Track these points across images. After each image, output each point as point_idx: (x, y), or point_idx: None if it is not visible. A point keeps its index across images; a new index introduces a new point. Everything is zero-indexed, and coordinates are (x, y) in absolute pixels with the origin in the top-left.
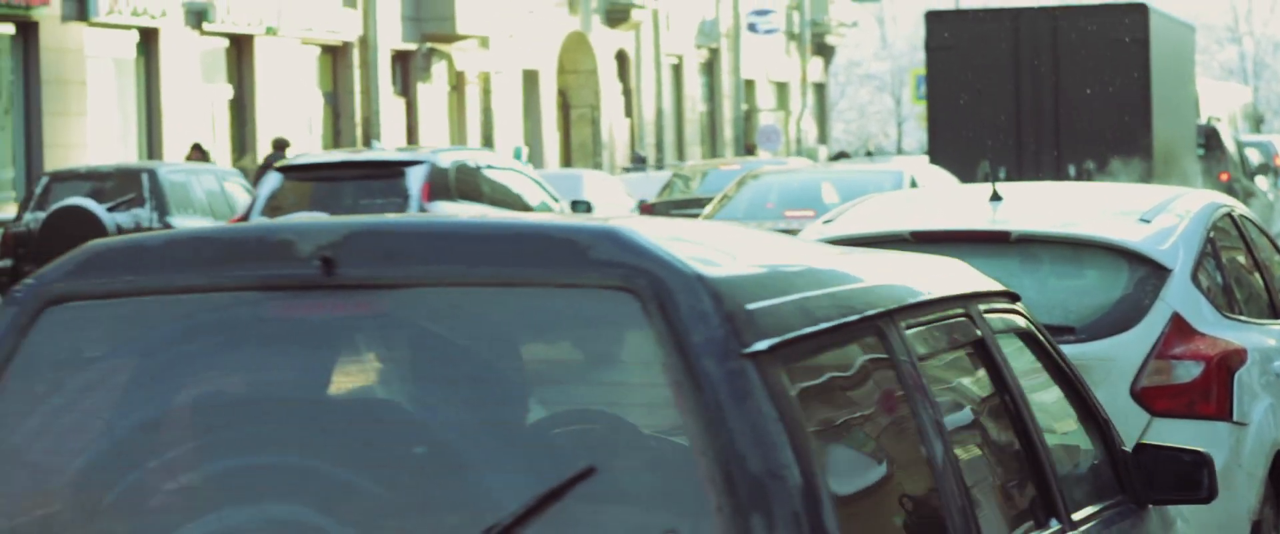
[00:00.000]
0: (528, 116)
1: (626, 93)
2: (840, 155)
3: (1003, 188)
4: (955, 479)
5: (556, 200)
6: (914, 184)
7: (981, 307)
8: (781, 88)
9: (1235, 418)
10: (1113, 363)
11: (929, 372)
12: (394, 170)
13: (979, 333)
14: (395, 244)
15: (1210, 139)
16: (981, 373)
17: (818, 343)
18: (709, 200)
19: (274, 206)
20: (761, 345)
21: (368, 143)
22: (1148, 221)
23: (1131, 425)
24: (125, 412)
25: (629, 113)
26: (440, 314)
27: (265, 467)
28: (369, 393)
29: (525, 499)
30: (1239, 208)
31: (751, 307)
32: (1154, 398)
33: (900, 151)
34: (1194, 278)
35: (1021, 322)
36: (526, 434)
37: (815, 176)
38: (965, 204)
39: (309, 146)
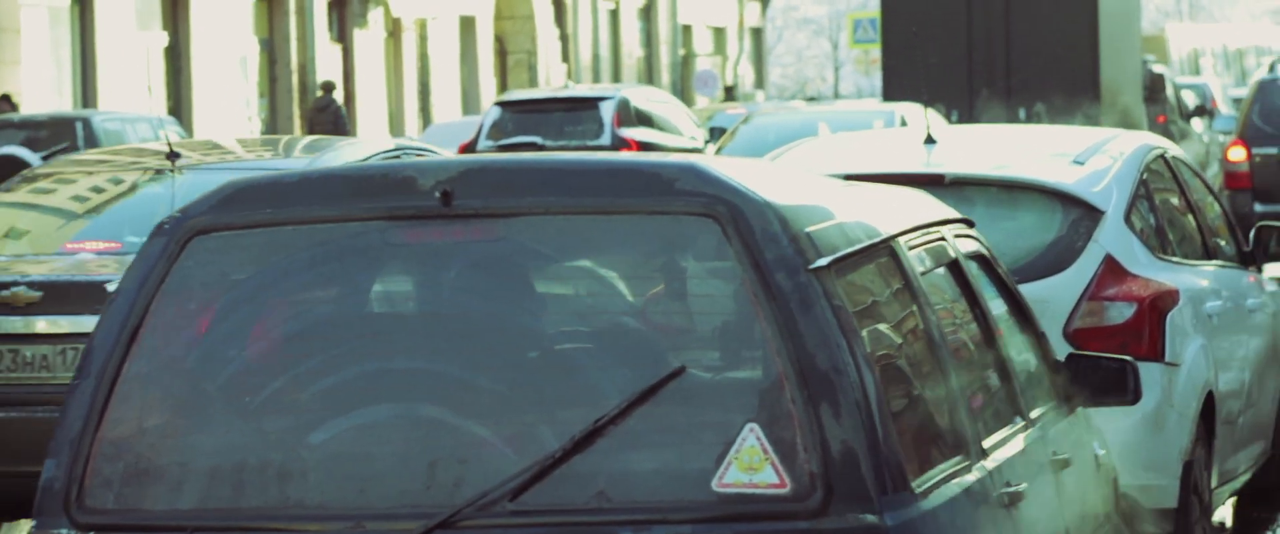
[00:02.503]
0: (464, 62)
1: (563, 39)
2: (810, 99)
3: (937, 131)
4: (956, 377)
5: (698, 126)
6: (904, 122)
7: (951, 231)
8: (719, 33)
9: (1167, 359)
10: (1046, 304)
11: (926, 285)
12: (591, 104)
13: (952, 254)
14: (506, 179)
15: (1155, 82)
16: (958, 288)
17: (857, 260)
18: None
19: (496, 133)
20: (822, 262)
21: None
22: (1081, 163)
23: None
24: (269, 325)
25: (566, 58)
26: (546, 239)
27: (398, 371)
28: (486, 306)
29: (627, 396)
30: (1172, 149)
31: (809, 229)
32: (1087, 339)
33: (837, 96)
34: (1127, 219)
35: (976, 245)
36: (624, 340)
37: (810, 116)
38: (899, 147)
39: (245, 93)
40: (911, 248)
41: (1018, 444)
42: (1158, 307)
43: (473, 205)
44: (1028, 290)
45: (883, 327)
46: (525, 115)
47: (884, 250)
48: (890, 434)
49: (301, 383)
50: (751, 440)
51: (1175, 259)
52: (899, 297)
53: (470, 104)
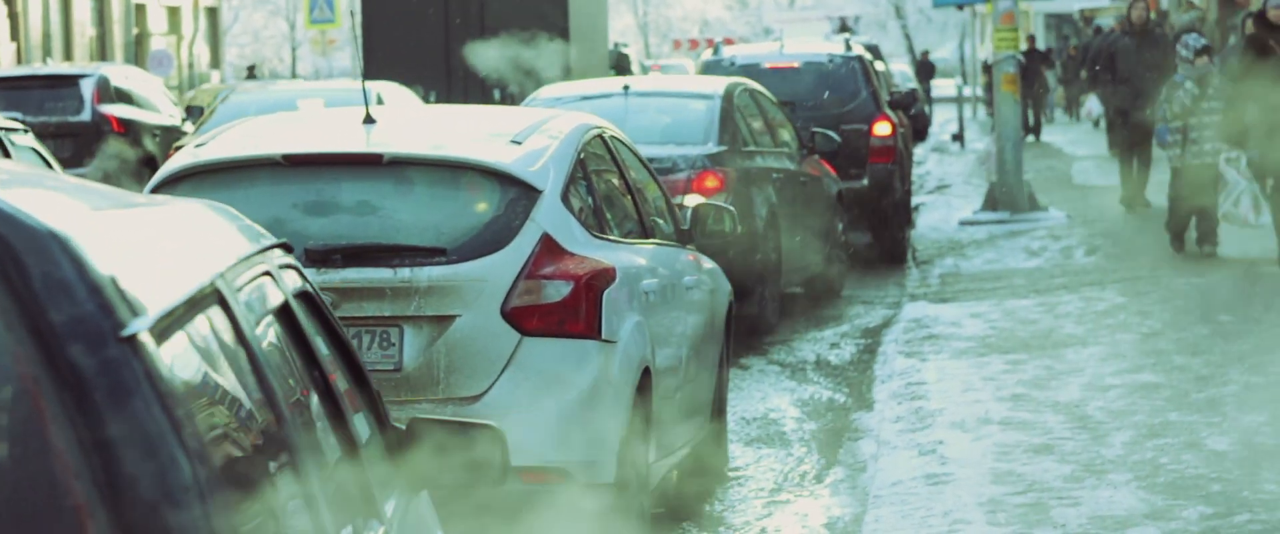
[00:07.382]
0: None
1: (12, 16)
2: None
3: (377, 111)
4: (314, 480)
5: (176, 105)
6: (381, 101)
7: (275, 261)
8: (174, 11)
9: (604, 336)
10: (484, 283)
11: (262, 341)
12: (71, 81)
13: (282, 294)
14: None
15: (620, 61)
16: (293, 344)
17: (183, 317)
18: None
19: None
20: (141, 324)
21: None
22: (519, 143)
23: (503, 345)
24: None
25: (15, 37)
26: None
27: None
28: None
29: None
30: (611, 129)
31: (119, 275)
32: (524, 317)
33: (294, 76)
34: (564, 198)
35: (300, 278)
36: None
37: (290, 94)
38: (338, 127)
39: None
40: (239, 291)
41: None
42: (594, 284)
43: None
44: (465, 270)
45: (221, 421)
46: (3, 92)
47: (212, 299)
48: None
49: None
50: None
51: (613, 237)
52: (234, 368)
53: None
